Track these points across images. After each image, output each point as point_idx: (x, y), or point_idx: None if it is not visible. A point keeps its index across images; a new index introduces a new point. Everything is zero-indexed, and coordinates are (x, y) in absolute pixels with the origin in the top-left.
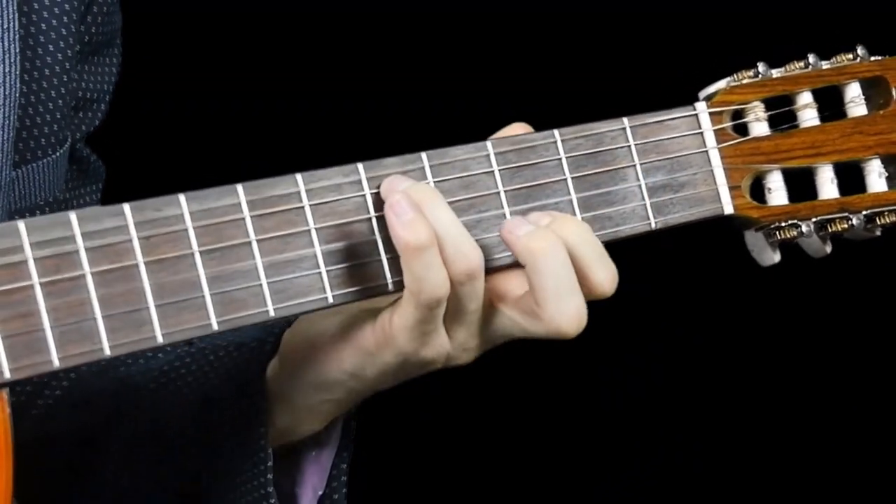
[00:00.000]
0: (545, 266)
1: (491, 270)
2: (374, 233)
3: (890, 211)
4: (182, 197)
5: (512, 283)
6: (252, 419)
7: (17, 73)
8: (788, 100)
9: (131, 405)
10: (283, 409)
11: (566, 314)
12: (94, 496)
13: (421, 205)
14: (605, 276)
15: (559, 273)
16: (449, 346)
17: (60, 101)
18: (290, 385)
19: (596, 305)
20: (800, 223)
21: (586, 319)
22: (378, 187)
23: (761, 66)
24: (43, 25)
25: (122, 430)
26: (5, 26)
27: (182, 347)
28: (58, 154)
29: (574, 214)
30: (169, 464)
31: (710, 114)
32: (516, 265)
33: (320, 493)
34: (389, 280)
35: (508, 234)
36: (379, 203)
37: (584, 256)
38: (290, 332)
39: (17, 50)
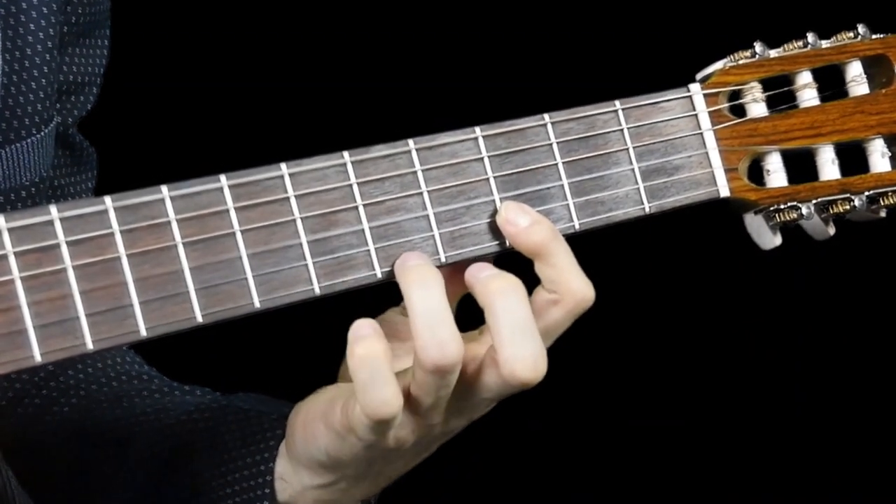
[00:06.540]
0: (502, 306)
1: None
2: (360, 222)
3: (893, 191)
4: (164, 188)
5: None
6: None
7: None
8: (787, 80)
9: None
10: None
11: (522, 358)
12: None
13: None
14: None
15: (516, 313)
16: (414, 432)
17: (44, 81)
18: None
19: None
20: (800, 205)
21: (545, 368)
22: (365, 175)
23: (759, 46)
24: (24, 4)
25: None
26: None
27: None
28: (42, 134)
29: (566, 199)
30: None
31: (706, 95)
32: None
33: None
34: (378, 271)
35: (472, 277)
36: (366, 192)
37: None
38: (298, 405)
39: None
